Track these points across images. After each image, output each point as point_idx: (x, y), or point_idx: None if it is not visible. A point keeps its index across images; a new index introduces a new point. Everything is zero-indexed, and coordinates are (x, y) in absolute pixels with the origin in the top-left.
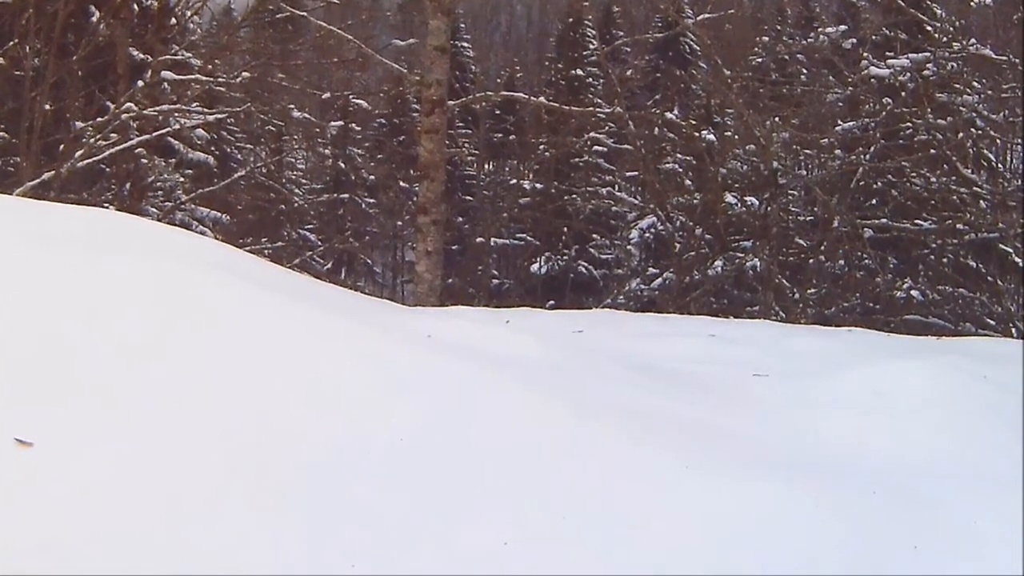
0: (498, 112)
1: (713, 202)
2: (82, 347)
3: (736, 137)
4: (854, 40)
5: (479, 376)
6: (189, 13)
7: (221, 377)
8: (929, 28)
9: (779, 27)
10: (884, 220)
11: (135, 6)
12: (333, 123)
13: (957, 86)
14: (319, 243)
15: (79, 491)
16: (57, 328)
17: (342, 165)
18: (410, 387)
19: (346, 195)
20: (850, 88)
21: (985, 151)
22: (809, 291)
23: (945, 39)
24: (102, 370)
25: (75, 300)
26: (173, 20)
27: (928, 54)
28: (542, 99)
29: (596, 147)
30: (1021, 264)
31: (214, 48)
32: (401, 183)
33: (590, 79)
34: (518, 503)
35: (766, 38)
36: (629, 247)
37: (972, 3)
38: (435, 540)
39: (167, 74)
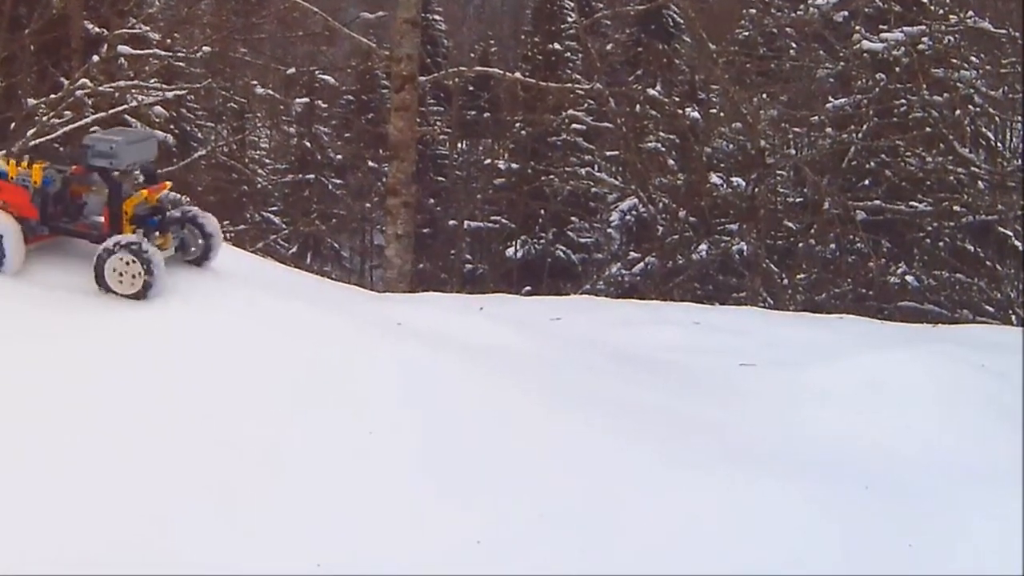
0: (472, 88)
1: (698, 183)
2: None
3: (722, 115)
4: (846, 12)
5: (452, 366)
6: None
7: (185, 368)
8: (925, 0)
9: None
10: (877, 202)
11: None
12: (298, 100)
13: (954, 61)
14: (284, 226)
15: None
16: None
17: (308, 144)
18: (379, 378)
19: (312, 176)
20: (841, 63)
21: (983, 129)
22: (799, 276)
23: (941, 11)
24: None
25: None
26: None
27: (924, 27)
28: (518, 75)
29: (575, 125)
30: (1021, 248)
31: (173, 21)
32: (370, 163)
33: (568, 54)
34: (492, 500)
35: (753, 10)
36: (609, 230)
37: None
38: (404, 538)
39: (123, 48)
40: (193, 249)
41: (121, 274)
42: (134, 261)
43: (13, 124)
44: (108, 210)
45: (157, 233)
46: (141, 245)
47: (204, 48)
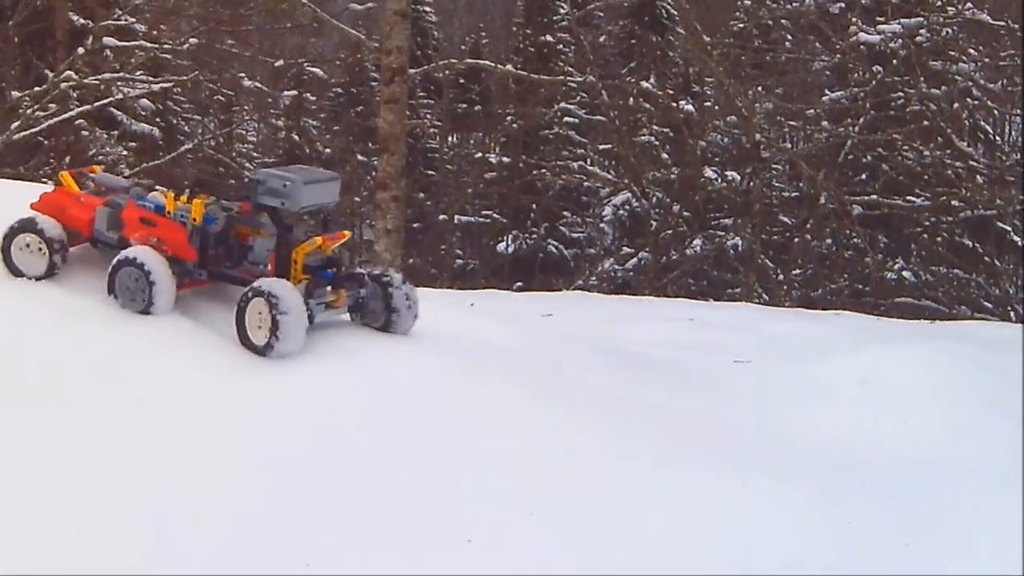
0: (462, 81)
1: (692, 177)
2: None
3: (716, 108)
4: (842, 4)
5: (442, 364)
6: None
7: (171, 366)
8: None
9: None
10: (874, 196)
11: None
12: (286, 93)
13: (952, 53)
14: None
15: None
16: None
17: (296, 137)
18: (369, 376)
19: None
20: (838, 55)
21: (982, 122)
22: (794, 272)
23: (939, 3)
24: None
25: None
26: None
27: (921, 19)
28: (509, 67)
29: (567, 118)
30: (1020, 243)
31: (159, 12)
32: (359, 157)
33: (561, 46)
34: (484, 499)
35: (748, 1)
36: (602, 225)
37: None
38: (394, 536)
39: (109, 40)
40: (379, 314)
41: (259, 326)
42: (263, 312)
43: None
44: (275, 256)
45: (329, 288)
46: (279, 296)
47: (191, 40)
